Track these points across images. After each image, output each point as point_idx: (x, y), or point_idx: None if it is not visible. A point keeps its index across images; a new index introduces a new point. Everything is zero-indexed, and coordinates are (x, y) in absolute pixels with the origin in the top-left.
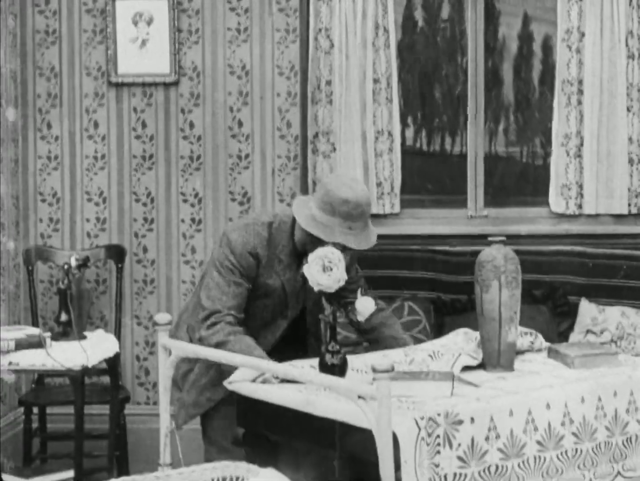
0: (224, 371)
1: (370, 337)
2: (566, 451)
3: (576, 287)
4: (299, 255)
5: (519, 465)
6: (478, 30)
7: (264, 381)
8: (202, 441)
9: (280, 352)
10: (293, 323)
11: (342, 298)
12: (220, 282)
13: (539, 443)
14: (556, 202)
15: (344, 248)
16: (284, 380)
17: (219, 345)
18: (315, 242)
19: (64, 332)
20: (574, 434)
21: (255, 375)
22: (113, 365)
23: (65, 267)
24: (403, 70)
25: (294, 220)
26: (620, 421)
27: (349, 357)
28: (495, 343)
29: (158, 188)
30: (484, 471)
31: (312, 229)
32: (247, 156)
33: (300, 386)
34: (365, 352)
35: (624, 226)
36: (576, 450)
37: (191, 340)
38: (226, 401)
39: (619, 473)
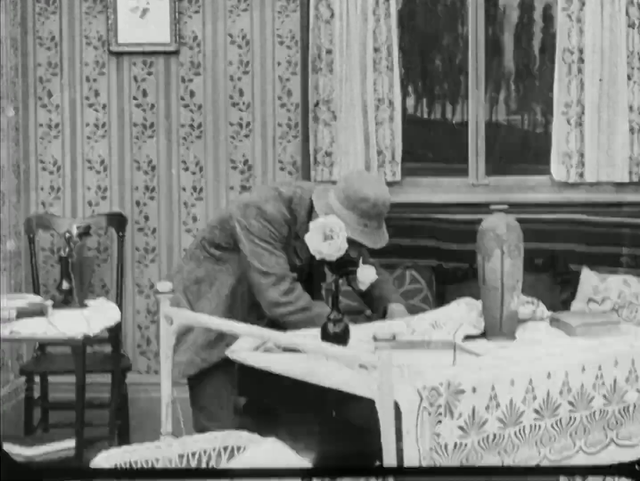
0: (224, 333)
1: (365, 300)
2: (561, 420)
3: (577, 255)
4: None
5: (515, 434)
6: None
7: (266, 350)
8: (191, 408)
9: None
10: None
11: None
12: (268, 248)
13: (536, 411)
14: (557, 170)
15: (352, 243)
16: (286, 349)
17: (305, 310)
18: None
19: (66, 300)
20: (570, 403)
21: (257, 344)
22: (114, 333)
23: (67, 235)
24: (403, 39)
25: (311, 203)
26: (619, 389)
27: (351, 326)
28: (497, 312)
29: (159, 157)
30: (482, 440)
31: (351, 234)
32: (247, 124)
33: (303, 355)
34: (366, 320)
35: (625, 194)
36: (570, 418)
37: (189, 303)
38: (219, 366)
39: (612, 440)
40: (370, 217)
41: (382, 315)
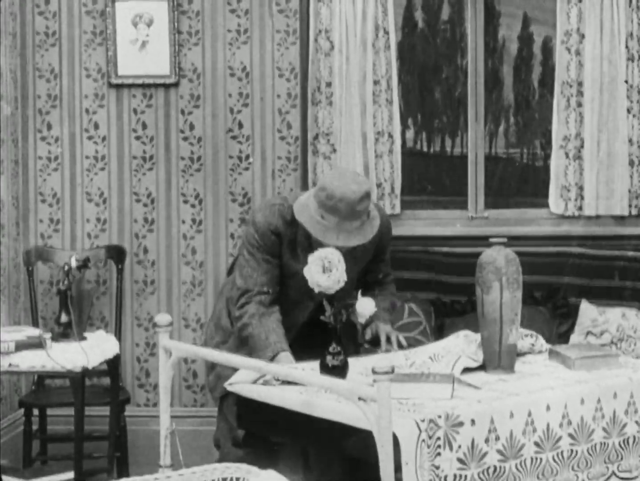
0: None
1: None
2: (562, 453)
3: (576, 288)
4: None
5: (516, 466)
6: (478, 31)
7: (265, 383)
8: (216, 419)
9: (309, 335)
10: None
11: (369, 273)
12: (250, 260)
13: (536, 444)
14: (556, 203)
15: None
16: (285, 382)
17: (241, 329)
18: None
19: (64, 333)
20: (570, 435)
21: (256, 377)
22: (113, 366)
23: (66, 267)
24: (403, 72)
25: None
26: (619, 422)
27: (350, 359)
28: (496, 344)
29: (158, 189)
30: (483, 472)
31: (299, 216)
32: (247, 157)
33: (301, 388)
34: (365, 353)
35: (625, 227)
36: (572, 451)
37: (229, 313)
38: None
39: (613, 473)
40: (326, 209)
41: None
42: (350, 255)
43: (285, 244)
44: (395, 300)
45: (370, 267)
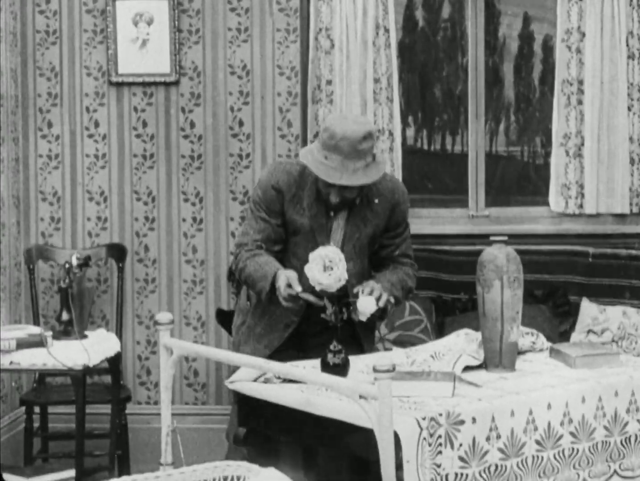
0: (277, 316)
1: None
2: (563, 451)
3: (577, 286)
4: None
5: (517, 465)
6: (478, 30)
7: (266, 381)
8: (230, 413)
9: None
10: None
11: (383, 248)
12: (250, 218)
13: (537, 442)
14: (556, 201)
15: (328, 185)
16: (286, 380)
17: (240, 273)
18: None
19: (65, 331)
20: (571, 434)
21: (257, 375)
22: (114, 364)
23: (67, 266)
24: (404, 70)
25: None
26: (620, 421)
27: (351, 357)
28: (497, 343)
29: (159, 187)
30: (484, 471)
31: (303, 158)
32: (247, 155)
33: (302, 386)
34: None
35: (626, 225)
36: (573, 449)
37: (248, 296)
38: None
39: (615, 472)
40: (329, 149)
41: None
42: (359, 215)
43: (288, 199)
44: (406, 280)
45: (384, 241)
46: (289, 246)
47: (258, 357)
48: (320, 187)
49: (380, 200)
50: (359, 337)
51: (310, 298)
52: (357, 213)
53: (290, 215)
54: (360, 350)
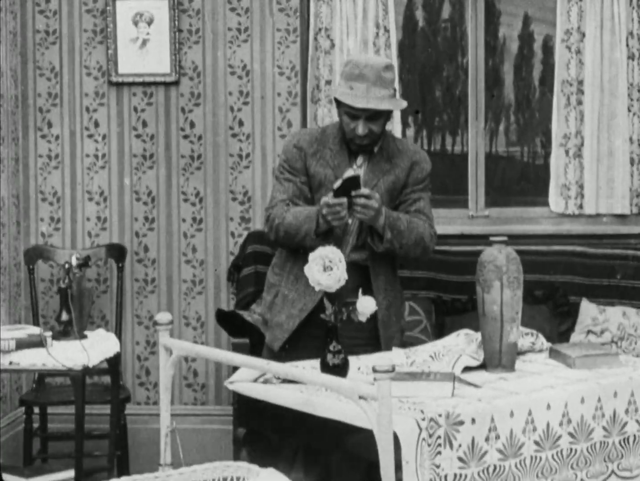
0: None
1: None
2: (562, 451)
3: (577, 287)
4: (347, 142)
5: (515, 465)
6: (478, 30)
7: (265, 382)
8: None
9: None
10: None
11: (401, 204)
12: (276, 184)
13: (536, 443)
14: (556, 202)
15: (354, 117)
16: (285, 380)
17: (278, 229)
18: (341, 112)
19: (65, 331)
20: (570, 434)
21: (256, 375)
22: (114, 364)
23: (66, 266)
24: (404, 70)
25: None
26: (619, 421)
27: (351, 358)
28: (496, 343)
29: (159, 188)
30: (483, 471)
31: (331, 94)
32: (247, 155)
33: (302, 387)
34: None
35: (626, 226)
36: (571, 449)
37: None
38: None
39: (613, 472)
40: (354, 79)
41: None
42: (378, 166)
43: (311, 154)
44: (417, 226)
45: (402, 197)
46: (314, 204)
47: (292, 322)
48: (345, 126)
49: (401, 155)
50: (378, 334)
51: (338, 182)
52: (376, 163)
53: (314, 169)
54: (378, 347)
